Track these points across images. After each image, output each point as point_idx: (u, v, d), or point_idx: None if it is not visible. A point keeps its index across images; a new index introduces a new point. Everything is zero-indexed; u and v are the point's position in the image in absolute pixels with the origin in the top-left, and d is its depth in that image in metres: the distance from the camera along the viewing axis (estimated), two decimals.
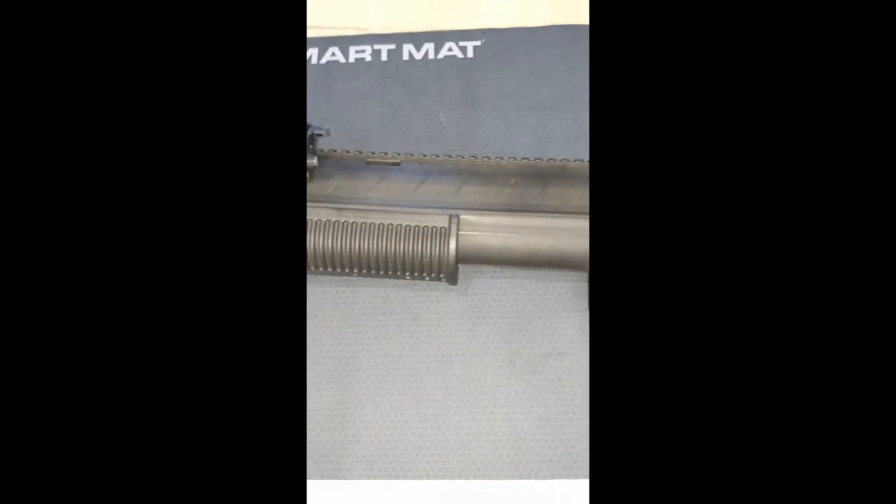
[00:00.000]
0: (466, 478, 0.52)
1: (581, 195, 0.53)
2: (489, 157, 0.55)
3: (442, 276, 0.52)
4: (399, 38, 0.69)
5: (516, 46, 0.69)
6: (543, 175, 0.54)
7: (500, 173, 0.54)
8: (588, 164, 0.55)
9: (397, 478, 0.52)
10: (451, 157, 0.55)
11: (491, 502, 0.51)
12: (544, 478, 0.51)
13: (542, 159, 0.55)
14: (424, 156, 0.55)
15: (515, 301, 0.57)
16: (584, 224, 0.52)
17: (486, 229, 0.52)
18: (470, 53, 0.69)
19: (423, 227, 0.51)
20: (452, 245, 0.51)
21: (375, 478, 0.52)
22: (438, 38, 0.69)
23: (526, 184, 0.53)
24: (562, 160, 0.55)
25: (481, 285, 0.58)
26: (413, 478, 0.52)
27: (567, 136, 0.64)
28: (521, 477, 0.51)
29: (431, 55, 0.69)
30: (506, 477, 0.52)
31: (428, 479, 0.52)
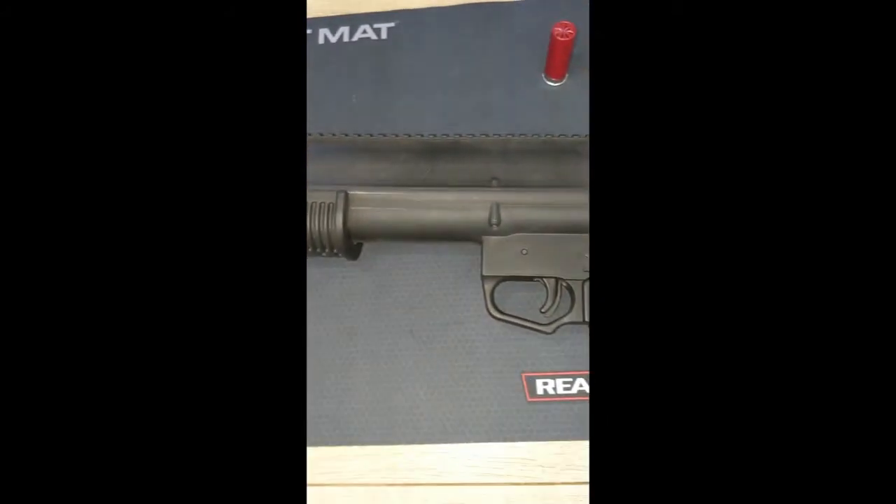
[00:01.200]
0: (363, 444, 0.54)
1: (469, 169, 0.54)
2: (384, 135, 0.56)
3: (336, 251, 0.54)
4: (315, 23, 0.70)
5: (430, 26, 0.69)
6: (434, 150, 0.55)
7: (393, 150, 0.55)
8: (482, 137, 0.56)
9: None
10: (346, 135, 0.57)
11: (385, 466, 0.53)
12: (436, 442, 0.53)
13: (435, 135, 0.56)
14: (322, 134, 0.57)
15: (417, 275, 0.59)
16: (470, 196, 0.53)
17: (375, 204, 0.53)
18: (384, 35, 0.70)
19: (312, 204, 0.53)
20: (339, 219, 0.52)
21: None
22: (353, 21, 0.70)
23: (415, 159, 0.55)
24: (455, 135, 0.56)
25: (385, 261, 0.59)
26: (311, 445, 0.54)
27: (477, 113, 0.65)
28: (413, 442, 0.53)
29: (346, 38, 0.70)
30: (399, 442, 0.53)
31: (326, 445, 0.54)
